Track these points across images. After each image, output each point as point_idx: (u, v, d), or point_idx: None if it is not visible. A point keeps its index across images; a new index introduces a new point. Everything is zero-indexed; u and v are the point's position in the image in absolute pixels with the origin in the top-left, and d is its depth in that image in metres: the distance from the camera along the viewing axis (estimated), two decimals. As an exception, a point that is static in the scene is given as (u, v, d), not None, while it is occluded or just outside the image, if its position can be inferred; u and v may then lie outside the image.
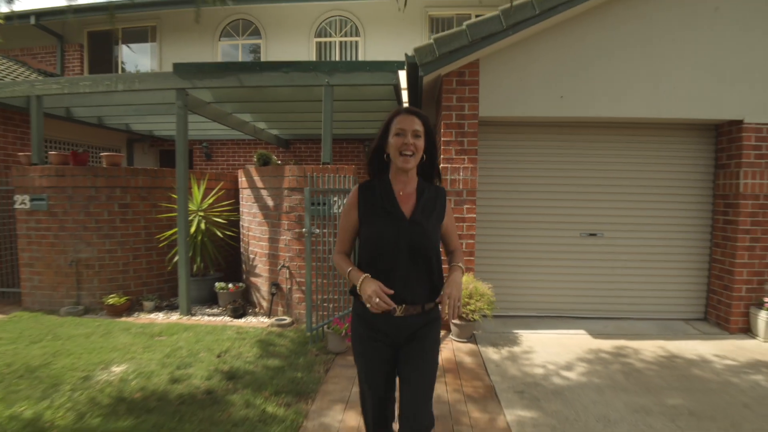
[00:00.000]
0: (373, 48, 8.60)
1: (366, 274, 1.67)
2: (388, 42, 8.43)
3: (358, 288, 1.66)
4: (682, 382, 3.52)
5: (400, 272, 1.68)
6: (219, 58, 9.13)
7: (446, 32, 3.98)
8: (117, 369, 3.52)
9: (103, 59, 9.80)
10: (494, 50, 4.32)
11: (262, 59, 8.99)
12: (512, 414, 2.97)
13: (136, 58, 9.77)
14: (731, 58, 4.49)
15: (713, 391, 3.38)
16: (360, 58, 8.59)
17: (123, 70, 9.77)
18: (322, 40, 8.81)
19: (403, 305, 1.69)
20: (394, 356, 1.78)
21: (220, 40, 9.16)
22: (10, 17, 3.84)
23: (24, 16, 9.29)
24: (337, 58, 8.70)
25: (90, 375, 3.41)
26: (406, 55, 4.14)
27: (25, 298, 5.39)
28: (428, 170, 1.84)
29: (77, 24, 9.63)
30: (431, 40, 3.98)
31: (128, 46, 9.70)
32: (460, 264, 1.79)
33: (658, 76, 4.50)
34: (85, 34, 9.76)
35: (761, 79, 4.50)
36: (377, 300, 1.57)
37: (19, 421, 2.76)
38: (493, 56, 4.40)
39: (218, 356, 3.73)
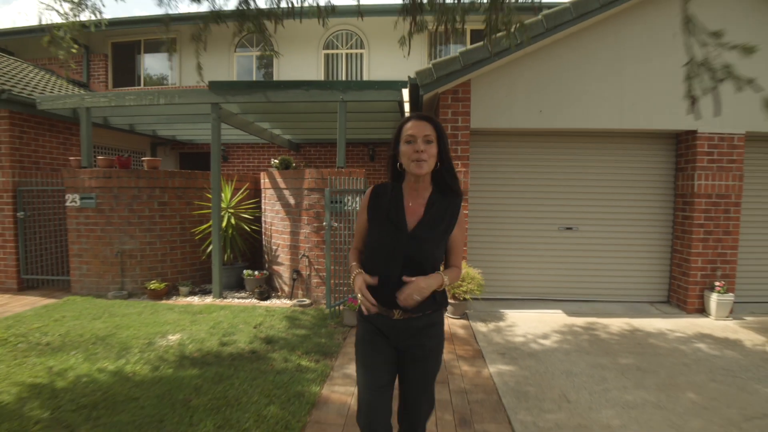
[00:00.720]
0: (376, 59, 9.37)
1: (358, 270, 1.76)
2: (390, 54, 9.19)
3: (351, 281, 1.76)
4: (636, 348, 4.30)
5: (394, 280, 1.66)
6: (234, 68, 9.89)
7: (442, 59, 4.75)
8: (173, 337, 4.29)
9: (125, 68, 10.56)
10: (483, 72, 5.10)
11: (274, 70, 9.77)
12: (494, 368, 3.75)
13: (159, 67, 10.54)
14: (687, 77, 5.25)
15: (661, 355, 4.15)
16: (364, 69, 9.38)
17: (145, 78, 10.53)
18: (330, 52, 9.59)
19: (400, 310, 1.70)
20: (396, 358, 1.79)
21: (235, 52, 9.93)
22: (86, 26, 4.56)
23: (54, 28, 10.03)
24: (344, 69, 9.49)
25: (152, 341, 4.18)
26: (409, 77, 4.91)
27: (74, 285, 6.15)
28: (443, 178, 1.76)
29: (102, 35, 10.38)
30: (430, 65, 4.76)
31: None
32: (446, 275, 1.73)
33: (624, 93, 5.27)
34: (109, 45, 10.51)
35: (710, 96, 5.26)
36: (360, 296, 1.68)
37: (107, 373, 3.53)
38: (482, 77, 5.17)
39: (254, 327, 4.51)
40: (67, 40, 4.56)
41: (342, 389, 3.28)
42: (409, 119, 1.72)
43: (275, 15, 3.13)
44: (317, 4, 3.04)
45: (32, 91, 6.93)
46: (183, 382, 3.31)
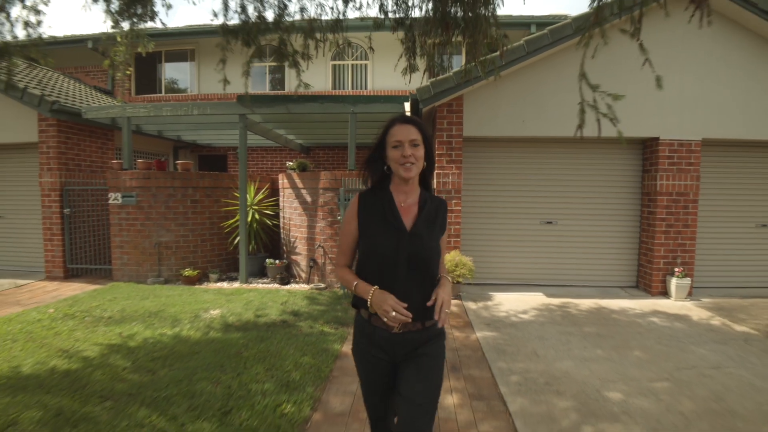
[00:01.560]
0: (379, 70, 10.22)
1: (375, 287, 1.61)
2: (393, 65, 10.00)
3: (369, 302, 1.60)
4: (600, 321, 5.15)
5: (399, 286, 1.62)
6: (249, 79, 10.74)
7: (438, 78, 5.59)
8: (214, 312, 5.14)
9: (147, 77, 11.41)
10: (474, 88, 5.95)
11: (285, 80, 10.63)
12: (480, 333, 4.61)
13: (178, 75, 11.39)
14: (651, 93, 6.07)
15: (620, 326, 5.00)
16: (368, 79, 10.24)
17: (165, 86, 11.39)
18: (337, 63, 10.44)
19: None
20: (394, 374, 1.72)
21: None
22: (135, 34, 5.35)
23: (81, 40, 10.90)
24: (350, 79, 10.35)
25: (197, 315, 5.03)
26: (410, 93, 5.76)
27: (116, 273, 6.99)
28: (426, 178, 1.79)
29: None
30: (428, 84, 5.60)
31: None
32: (447, 276, 1.72)
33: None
34: (133, 55, 11.33)
35: (672, 108, 6.10)
36: (394, 313, 1.51)
37: (167, 336, 4.37)
38: (473, 92, 6.02)
39: (281, 304, 5.37)
40: (123, 64, 5.39)
41: (358, 347, 4.13)
42: (393, 123, 1.71)
43: (307, 55, 3.99)
44: (337, 41, 3.90)
45: (74, 101, 7.77)
46: (232, 341, 4.17)
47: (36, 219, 7.55)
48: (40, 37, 4.56)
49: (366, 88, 10.51)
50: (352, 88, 10.56)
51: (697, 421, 2.99)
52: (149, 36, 10.74)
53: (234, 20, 3.98)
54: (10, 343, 4.17)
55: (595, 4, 2.74)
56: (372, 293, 1.60)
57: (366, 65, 10.35)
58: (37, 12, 4.75)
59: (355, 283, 1.67)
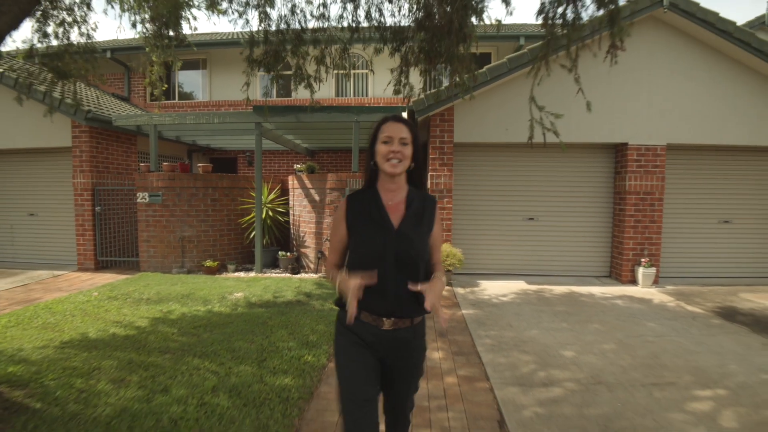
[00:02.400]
0: (379, 78, 11.02)
1: (341, 274, 1.66)
2: (391, 75, 10.86)
3: (336, 287, 1.67)
4: (570, 302, 5.96)
5: (388, 284, 1.64)
6: (258, 86, 11.57)
7: (432, 91, 6.41)
8: (238, 294, 5.95)
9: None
10: (463, 100, 6.76)
11: (291, 88, 11.46)
12: (466, 311, 5.42)
13: (190, 83, 12.22)
14: (621, 102, 6.91)
15: (586, 306, 5.81)
16: (369, 88, 11.08)
17: (178, 93, 12.20)
18: (339, 72, 11.26)
19: (392, 318, 1.67)
20: (380, 368, 1.76)
21: (258, 71, 11.57)
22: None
23: (102, 50, 11.71)
24: (352, 88, 11.19)
25: (224, 296, 5.84)
26: (407, 104, 6.57)
27: (143, 264, 7.79)
28: (416, 178, 1.83)
29: (141, 56, 12.03)
30: (423, 96, 6.42)
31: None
32: (443, 275, 1.76)
33: (572, 115, 6.88)
34: (162, 66, 12.15)
35: (639, 116, 6.92)
36: (350, 299, 1.53)
37: (202, 312, 5.17)
38: (462, 103, 6.85)
39: (295, 288, 6.18)
40: (159, 82, 6.21)
41: (362, 320, 4.95)
42: (386, 120, 1.75)
43: (319, 78, 4.81)
44: (344, 65, 4.73)
45: (100, 108, 8.56)
46: (257, 314, 4.98)
47: (66, 216, 8.34)
48: (95, 59, 5.36)
49: (367, 96, 11.34)
50: (354, 96, 11.38)
51: (631, 371, 3.80)
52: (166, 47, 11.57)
53: (252, 30, 4.83)
54: (70, 317, 4.97)
55: (544, 41, 3.54)
56: (340, 279, 1.65)
57: (367, 74, 11.20)
58: (90, 37, 5.57)
59: (338, 279, 1.68)
